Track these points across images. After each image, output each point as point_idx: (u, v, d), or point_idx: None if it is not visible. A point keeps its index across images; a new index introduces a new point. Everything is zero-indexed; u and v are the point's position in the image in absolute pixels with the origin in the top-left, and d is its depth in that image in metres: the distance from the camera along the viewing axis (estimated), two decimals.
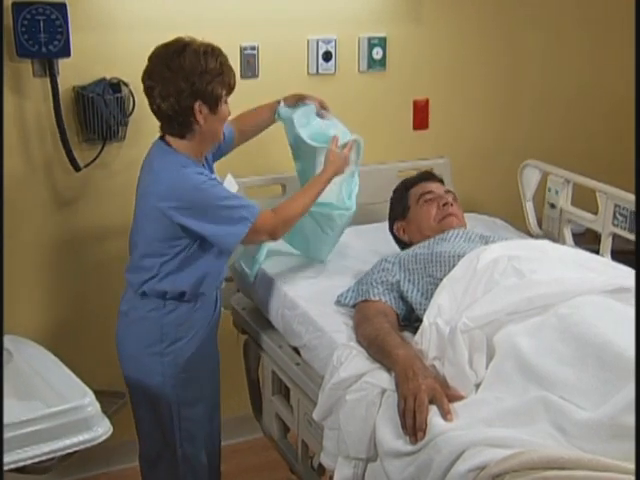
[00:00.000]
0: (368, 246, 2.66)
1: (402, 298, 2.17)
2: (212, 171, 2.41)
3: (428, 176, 2.62)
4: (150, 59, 2.24)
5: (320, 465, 2.21)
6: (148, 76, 2.24)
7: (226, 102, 2.27)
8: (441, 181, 2.62)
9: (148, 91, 2.24)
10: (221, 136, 2.33)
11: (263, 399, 2.66)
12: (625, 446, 1.47)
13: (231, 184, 2.42)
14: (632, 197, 2.45)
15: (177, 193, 2.19)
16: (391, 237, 2.60)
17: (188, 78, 2.16)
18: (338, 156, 2.40)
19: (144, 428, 2.47)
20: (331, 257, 2.57)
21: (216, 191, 2.21)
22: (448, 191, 2.54)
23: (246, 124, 2.58)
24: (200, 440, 2.45)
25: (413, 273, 2.19)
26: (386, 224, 2.63)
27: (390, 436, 1.71)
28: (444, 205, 2.46)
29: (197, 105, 2.19)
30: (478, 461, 1.49)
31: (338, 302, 2.26)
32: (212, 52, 2.20)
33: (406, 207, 2.53)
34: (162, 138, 2.30)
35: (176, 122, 2.22)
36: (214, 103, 2.21)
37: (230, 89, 2.26)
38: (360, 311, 2.14)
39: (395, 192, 2.62)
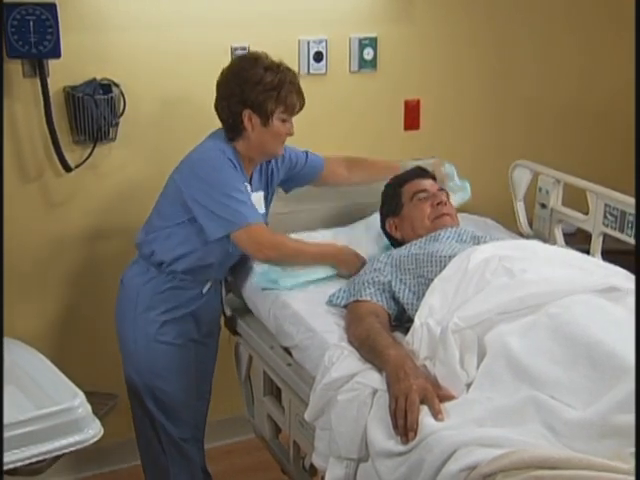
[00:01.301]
0: (362, 246, 2.66)
1: (393, 298, 2.17)
2: (266, 184, 2.49)
3: (421, 172, 2.60)
4: (227, 65, 2.39)
5: (312, 465, 2.21)
6: (218, 79, 2.37)
7: (284, 120, 2.33)
8: (433, 177, 2.61)
9: (216, 92, 2.37)
10: (276, 151, 2.39)
11: (254, 400, 2.66)
12: (615, 445, 1.47)
13: (258, 200, 2.42)
14: (622, 197, 2.46)
15: (197, 165, 2.29)
16: (383, 235, 2.59)
17: (241, 85, 2.28)
18: (354, 258, 2.42)
19: (128, 389, 2.52)
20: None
21: (230, 181, 2.26)
22: (441, 189, 2.54)
23: (360, 173, 2.69)
24: (177, 418, 2.49)
25: (405, 273, 2.19)
26: (376, 221, 2.62)
27: (381, 436, 1.71)
28: (438, 204, 2.45)
29: (246, 113, 2.29)
30: (469, 461, 1.49)
31: (330, 302, 2.26)
32: (276, 68, 2.31)
33: (399, 204, 2.51)
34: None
35: (227, 124, 2.35)
36: (265, 115, 2.30)
37: (287, 107, 2.32)
38: (351, 311, 2.14)
39: (387, 187, 2.61)
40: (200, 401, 2.62)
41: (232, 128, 2.34)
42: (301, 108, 2.38)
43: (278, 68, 2.31)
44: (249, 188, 2.36)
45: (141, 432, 2.55)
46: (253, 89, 2.27)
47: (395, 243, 2.52)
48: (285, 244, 2.34)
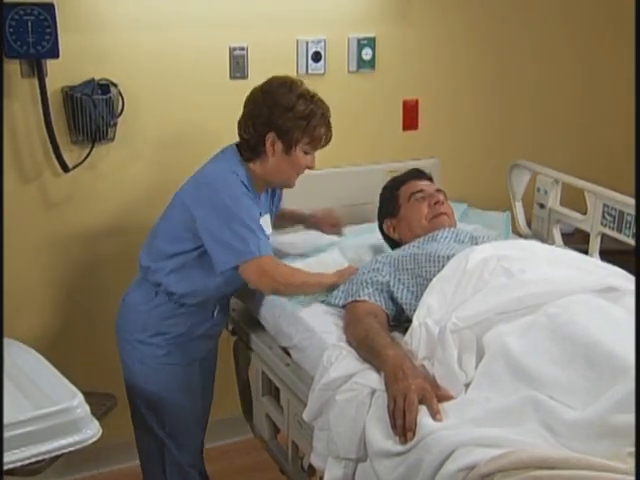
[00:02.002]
0: (358, 246, 2.66)
1: (392, 298, 2.17)
2: (270, 206, 2.44)
3: (418, 173, 2.60)
4: (262, 84, 2.31)
5: (310, 466, 2.21)
6: (248, 97, 2.31)
7: (308, 153, 2.27)
8: (430, 178, 2.62)
9: (243, 109, 2.31)
10: (290, 182, 2.34)
11: (253, 400, 2.66)
12: (614, 445, 1.47)
13: (265, 223, 2.38)
14: (620, 197, 2.47)
15: (211, 191, 2.20)
16: (381, 237, 2.60)
17: (271, 107, 2.21)
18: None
19: (134, 421, 2.49)
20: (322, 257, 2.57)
21: (244, 209, 2.18)
22: (438, 190, 2.54)
23: (279, 220, 2.61)
24: (183, 440, 2.46)
25: (403, 273, 2.19)
26: (376, 224, 2.63)
27: (380, 436, 1.71)
28: (435, 204, 2.46)
29: (270, 136, 2.22)
30: (468, 461, 1.49)
31: (328, 302, 2.26)
32: (309, 99, 2.24)
33: (397, 205, 2.52)
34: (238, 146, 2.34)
35: (248, 145, 2.27)
36: (288, 143, 2.23)
37: (312, 140, 2.25)
38: (350, 311, 2.14)
39: (385, 190, 2.62)
40: (204, 416, 2.58)
41: (252, 148, 2.27)
42: (326, 143, 2.31)
43: (312, 98, 2.24)
44: (259, 213, 2.30)
45: (145, 455, 2.53)
46: (282, 114, 2.20)
47: (393, 244, 2.52)
48: (292, 278, 2.26)
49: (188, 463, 2.49)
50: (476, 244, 2.24)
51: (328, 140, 2.31)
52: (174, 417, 2.42)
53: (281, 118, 2.20)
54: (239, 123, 2.31)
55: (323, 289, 2.29)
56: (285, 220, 2.67)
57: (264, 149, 2.25)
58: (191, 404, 2.46)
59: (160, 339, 2.36)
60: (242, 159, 2.29)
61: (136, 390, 2.42)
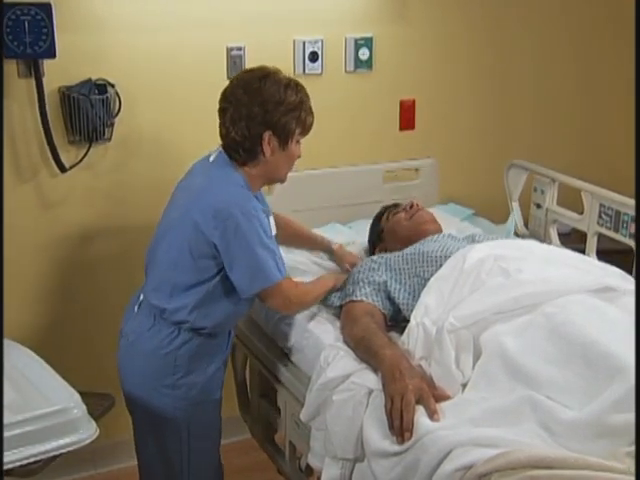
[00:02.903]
0: (355, 246, 2.67)
1: (389, 298, 2.17)
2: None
3: (393, 206, 2.62)
4: (231, 81, 2.18)
5: (308, 466, 2.21)
6: (224, 97, 2.16)
7: (298, 142, 2.19)
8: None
9: (221, 112, 2.16)
10: (284, 176, 2.24)
11: (250, 400, 2.66)
12: (611, 445, 1.48)
13: (272, 225, 2.32)
14: (617, 196, 2.47)
15: (224, 212, 2.06)
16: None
17: (263, 105, 2.10)
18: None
19: (147, 460, 2.35)
20: (318, 257, 2.58)
21: (260, 230, 2.08)
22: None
23: (291, 237, 2.55)
24: (206, 470, 2.37)
25: (400, 273, 2.19)
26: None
27: (377, 436, 1.71)
28: (410, 207, 2.51)
29: (267, 135, 2.11)
30: (465, 461, 1.50)
31: (325, 302, 2.26)
32: (294, 86, 2.14)
33: (380, 230, 2.56)
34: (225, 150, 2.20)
35: (242, 148, 2.13)
36: (285, 138, 2.14)
37: (304, 129, 2.18)
38: (346, 312, 2.14)
39: (370, 228, 2.63)
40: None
41: (247, 152, 2.13)
42: (311, 129, 2.23)
43: (297, 87, 2.15)
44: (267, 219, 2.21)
45: None
46: (276, 109, 2.10)
47: None
48: (305, 297, 2.23)
49: None
50: (473, 241, 2.25)
51: (312, 125, 2.23)
52: (199, 456, 2.30)
53: (276, 114, 2.10)
54: (224, 127, 2.15)
55: (325, 295, 2.30)
56: (301, 241, 2.61)
57: (261, 149, 2.13)
58: (213, 440, 2.36)
59: (193, 377, 2.20)
60: (235, 164, 2.17)
61: (162, 429, 2.25)
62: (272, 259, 2.09)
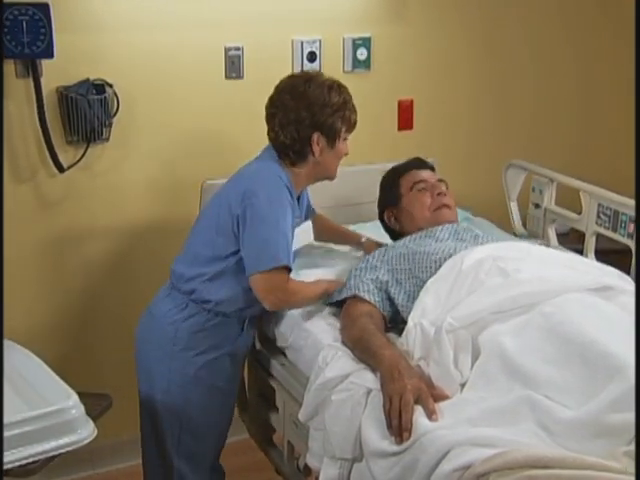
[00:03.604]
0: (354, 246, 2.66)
1: (389, 299, 2.16)
2: (301, 211, 2.38)
3: (419, 163, 2.56)
4: (276, 87, 2.29)
5: (306, 466, 2.21)
6: (271, 103, 2.28)
7: (345, 139, 2.29)
8: (432, 168, 2.57)
9: (269, 118, 2.27)
10: (335, 173, 2.33)
11: (249, 400, 2.66)
12: (609, 445, 1.47)
13: (306, 232, 2.36)
14: (615, 196, 2.47)
15: (252, 192, 2.16)
16: (378, 236, 2.59)
17: (310, 108, 2.20)
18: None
19: (144, 436, 2.40)
20: (317, 257, 2.57)
21: (280, 219, 2.15)
22: (441, 180, 2.49)
23: (325, 233, 2.59)
24: (198, 461, 2.38)
25: (400, 273, 2.18)
26: (373, 224, 2.62)
27: (376, 436, 1.71)
28: (438, 195, 2.42)
29: (316, 136, 2.22)
30: (463, 460, 1.49)
31: (328, 301, 2.25)
32: (337, 87, 2.25)
33: (398, 195, 2.47)
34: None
35: (292, 150, 2.25)
36: (332, 137, 2.24)
37: (350, 126, 2.28)
38: (345, 313, 2.13)
39: (385, 178, 2.57)
40: (220, 441, 2.48)
41: (297, 153, 2.24)
42: (355, 126, 2.34)
43: (339, 88, 2.26)
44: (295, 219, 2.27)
45: (149, 468, 2.44)
46: (323, 111, 2.21)
47: (393, 235, 2.50)
48: (294, 297, 2.22)
49: None
50: (477, 243, 2.22)
51: (356, 123, 2.33)
52: (191, 437, 2.33)
53: (323, 116, 2.21)
54: (273, 131, 2.26)
55: (315, 301, 2.28)
56: (337, 237, 2.64)
57: (310, 150, 2.24)
58: (210, 429, 2.38)
59: (190, 354, 2.26)
60: (283, 163, 2.27)
61: (156, 407, 2.31)
62: (283, 246, 2.14)
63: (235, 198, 2.19)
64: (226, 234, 2.21)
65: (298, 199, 2.34)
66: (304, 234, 2.35)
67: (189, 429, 2.32)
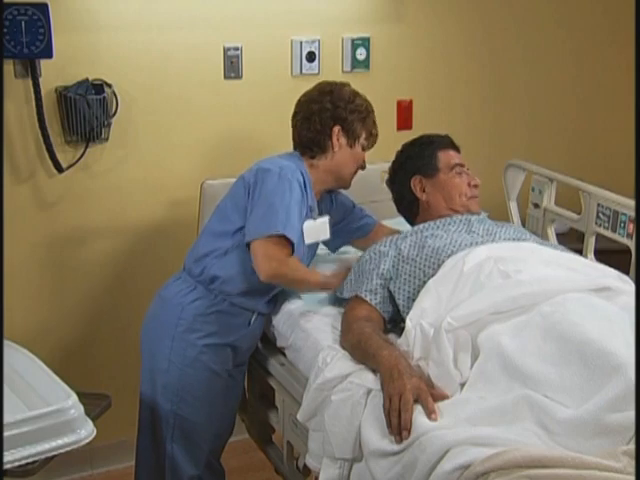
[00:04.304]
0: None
1: (390, 297, 2.15)
2: (324, 209, 2.41)
3: (454, 145, 2.49)
4: (304, 94, 2.40)
5: (305, 466, 2.21)
6: (298, 103, 2.40)
7: (364, 149, 2.39)
8: (459, 151, 2.51)
9: (293, 117, 2.39)
10: (349, 180, 2.40)
11: (248, 400, 2.66)
12: (608, 444, 1.47)
13: (322, 226, 2.33)
14: (615, 196, 2.47)
15: (268, 174, 2.22)
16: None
17: (334, 102, 2.32)
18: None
19: (140, 423, 2.40)
20: (318, 256, 2.57)
21: (286, 193, 2.19)
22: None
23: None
24: (191, 450, 2.37)
25: (406, 262, 2.13)
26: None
27: (375, 436, 1.71)
28: (474, 186, 2.39)
29: (336, 129, 2.32)
30: (463, 460, 1.49)
31: (334, 294, 2.26)
32: (365, 100, 2.39)
33: (435, 167, 2.40)
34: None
35: (314, 144, 2.34)
36: (352, 136, 2.34)
37: (370, 136, 2.38)
38: (344, 317, 2.13)
39: (421, 146, 2.47)
40: (218, 439, 2.48)
41: (317, 144, 2.33)
42: (374, 143, 2.43)
43: (365, 100, 2.38)
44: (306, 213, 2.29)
45: (142, 460, 2.44)
46: (346, 107, 2.31)
47: (410, 204, 2.44)
48: (284, 269, 2.19)
49: (189, 475, 2.38)
50: (491, 240, 2.20)
51: (376, 140, 2.42)
52: (185, 422, 2.33)
53: (345, 110, 2.31)
54: (299, 127, 2.36)
55: (318, 288, 2.28)
56: None
57: (331, 142, 2.32)
58: (206, 417, 2.37)
59: (193, 337, 2.28)
60: (302, 158, 2.35)
61: (155, 388, 2.33)
62: (283, 216, 2.17)
63: (250, 174, 2.28)
64: (238, 208, 2.27)
65: (331, 205, 2.45)
66: (317, 229, 2.32)
67: (184, 414, 2.33)
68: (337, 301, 2.29)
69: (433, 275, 2.07)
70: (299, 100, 2.40)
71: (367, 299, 2.13)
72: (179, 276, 2.37)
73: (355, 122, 2.33)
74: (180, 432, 2.34)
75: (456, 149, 2.47)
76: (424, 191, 2.40)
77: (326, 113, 2.31)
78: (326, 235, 2.35)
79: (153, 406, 2.34)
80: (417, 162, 2.43)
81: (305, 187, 2.27)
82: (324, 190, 2.42)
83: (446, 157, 2.41)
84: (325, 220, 2.34)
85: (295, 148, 2.40)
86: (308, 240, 2.28)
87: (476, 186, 2.40)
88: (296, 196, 2.21)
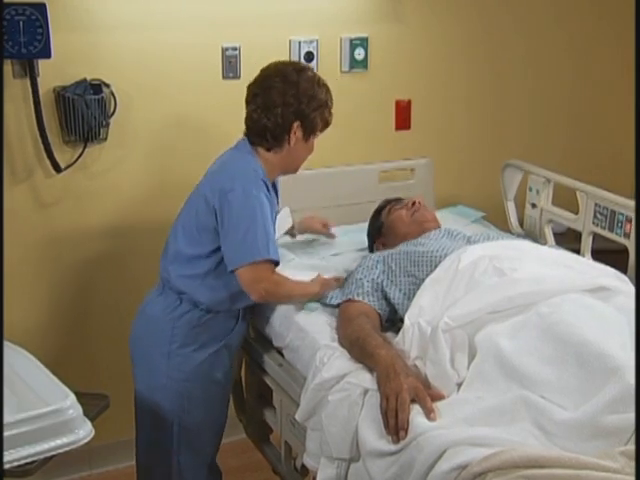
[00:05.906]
0: (352, 246, 2.67)
1: (385, 298, 2.17)
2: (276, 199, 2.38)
3: (395, 200, 2.63)
4: (263, 70, 2.29)
5: (303, 466, 2.21)
6: (256, 84, 2.27)
7: (316, 137, 2.32)
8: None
9: (251, 98, 2.27)
10: (298, 168, 2.37)
11: (246, 400, 2.66)
12: (605, 445, 1.48)
13: (285, 218, 2.39)
14: (612, 196, 2.47)
15: (228, 186, 2.17)
16: None
17: (298, 97, 2.22)
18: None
19: (142, 432, 2.40)
20: (317, 267, 2.57)
21: (257, 213, 2.16)
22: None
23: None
24: (199, 455, 2.39)
25: (396, 271, 2.19)
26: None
27: (373, 436, 1.71)
28: (412, 205, 2.51)
29: (296, 125, 2.24)
30: (460, 460, 1.50)
31: (323, 302, 2.26)
32: (324, 86, 2.29)
33: (380, 225, 2.56)
34: (248, 138, 2.31)
35: (271, 134, 2.25)
36: (309, 131, 2.27)
37: (324, 126, 2.32)
38: (342, 313, 2.14)
39: (370, 220, 2.64)
40: (218, 439, 2.49)
41: (275, 137, 2.25)
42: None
43: (325, 86, 2.30)
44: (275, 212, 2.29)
45: (145, 464, 2.44)
46: (310, 103, 2.23)
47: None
48: (279, 289, 2.23)
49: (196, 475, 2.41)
50: (469, 242, 2.25)
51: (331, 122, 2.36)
52: (190, 432, 2.34)
53: (309, 107, 2.24)
54: (256, 113, 2.24)
55: (305, 299, 2.29)
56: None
57: (287, 138, 2.25)
58: (209, 423, 2.39)
59: (188, 350, 2.28)
60: (255, 149, 2.28)
61: (154, 405, 2.32)
62: (263, 239, 2.15)
63: (212, 194, 2.20)
64: (207, 230, 2.22)
65: (274, 187, 2.35)
66: (283, 220, 2.39)
67: (188, 424, 2.33)
68: None
69: (426, 275, 2.08)
70: (258, 79, 2.28)
71: (361, 299, 2.15)
72: (161, 291, 2.34)
73: (316, 117, 2.26)
74: (185, 443, 2.34)
75: (397, 202, 2.59)
76: (384, 246, 2.50)
77: (289, 108, 2.21)
78: (290, 223, 2.42)
79: (155, 422, 2.33)
80: (371, 233, 2.61)
81: (268, 189, 2.24)
82: (275, 178, 2.38)
83: (385, 211, 2.57)
84: (287, 210, 2.40)
85: (247, 134, 2.31)
86: (278, 233, 2.32)
87: (414, 204, 2.51)
88: (266, 211, 2.18)
